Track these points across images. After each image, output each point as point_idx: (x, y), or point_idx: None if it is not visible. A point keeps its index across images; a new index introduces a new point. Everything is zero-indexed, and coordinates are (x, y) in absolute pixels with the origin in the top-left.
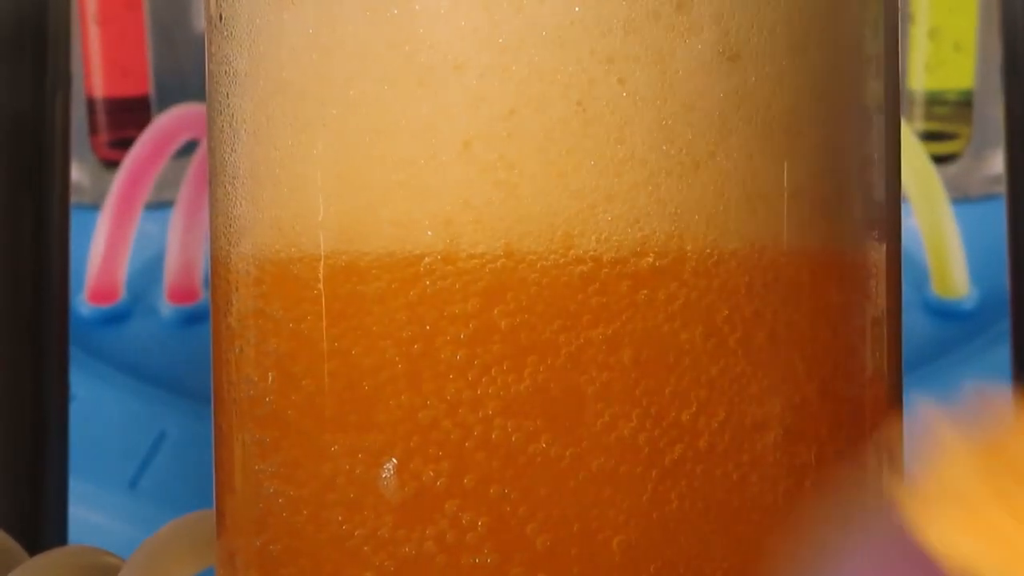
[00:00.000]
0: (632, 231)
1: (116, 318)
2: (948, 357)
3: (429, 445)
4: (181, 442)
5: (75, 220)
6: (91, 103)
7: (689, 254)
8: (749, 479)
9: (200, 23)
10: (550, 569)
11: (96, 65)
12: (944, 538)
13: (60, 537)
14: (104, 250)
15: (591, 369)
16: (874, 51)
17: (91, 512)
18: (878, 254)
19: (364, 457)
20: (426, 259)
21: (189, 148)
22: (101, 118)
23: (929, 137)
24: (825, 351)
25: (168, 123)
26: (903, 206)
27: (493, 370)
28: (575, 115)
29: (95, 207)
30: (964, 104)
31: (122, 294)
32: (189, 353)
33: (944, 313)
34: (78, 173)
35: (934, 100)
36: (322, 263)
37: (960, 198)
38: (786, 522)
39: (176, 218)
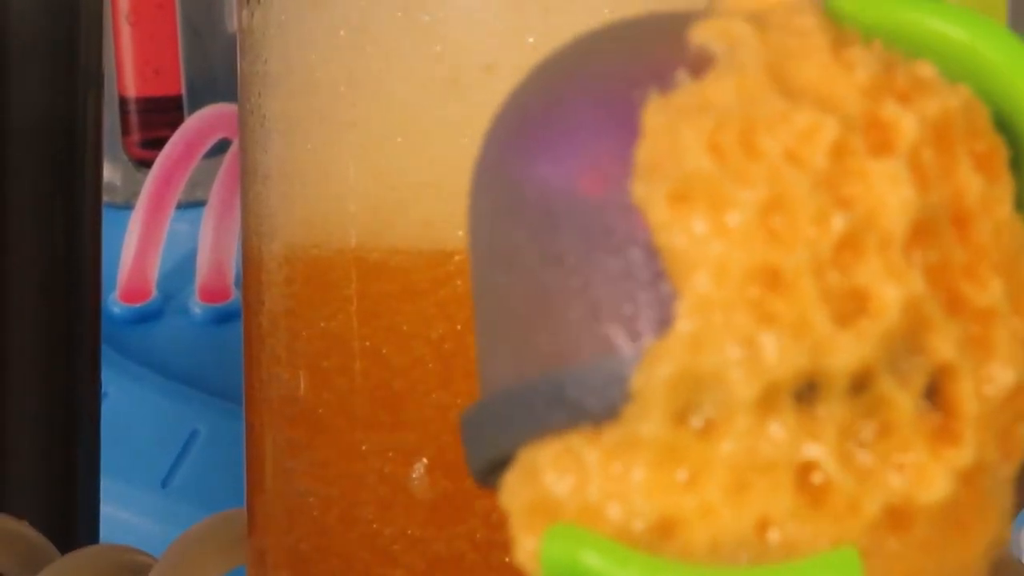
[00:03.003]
0: None
1: (148, 317)
2: None
3: (460, 443)
4: (212, 441)
5: (107, 220)
6: (123, 103)
7: None
8: None
9: (232, 23)
10: None
11: (128, 65)
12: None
13: (92, 536)
14: (136, 249)
15: None
16: None
17: (123, 511)
18: None
19: (395, 456)
20: (456, 257)
21: (221, 147)
22: (133, 118)
23: None
24: None
25: (200, 123)
26: None
27: None
28: None
29: (127, 207)
30: None
31: (154, 293)
32: (220, 352)
33: None
34: (110, 173)
35: None
36: (353, 262)
37: None
38: None
39: (208, 217)
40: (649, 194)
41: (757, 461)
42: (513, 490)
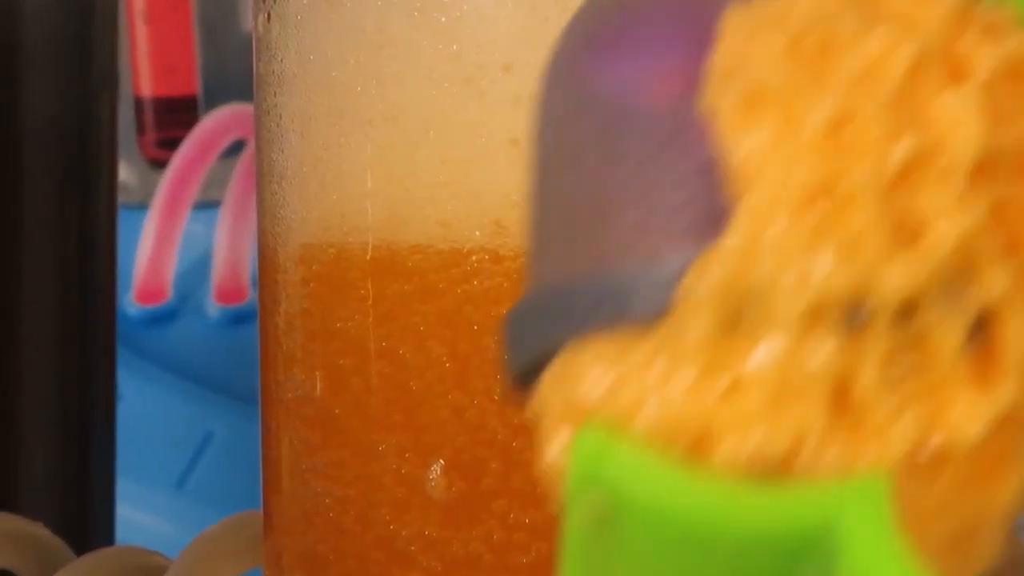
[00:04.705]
0: None
1: (163, 318)
2: None
3: (477, 444)
4: (228, 442)
5: (122, 220)
6: (138, 103)
7: None
8: None
9: (247, 22)
10: None
11: (143, 64)
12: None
13: (107, 537)
14: (151, 250)
15: None
16: None
17: (138, 512)
18: None
19: (411, 457)
20: (473, 258)
21: (236, 148)
22: (148, 118)
23: None
24: None
25: (215, 123)
26: None
27: None
28: None
29: (142, 207)
30: None
31: (169, 294)
32: (236, 353)
33: None
34: (125, 173)
35: None
36: (369, 262)
37: None
38: None
39: (223, 218)
40: (719, 100)
41: (797, 377)
42: (550, 388)
